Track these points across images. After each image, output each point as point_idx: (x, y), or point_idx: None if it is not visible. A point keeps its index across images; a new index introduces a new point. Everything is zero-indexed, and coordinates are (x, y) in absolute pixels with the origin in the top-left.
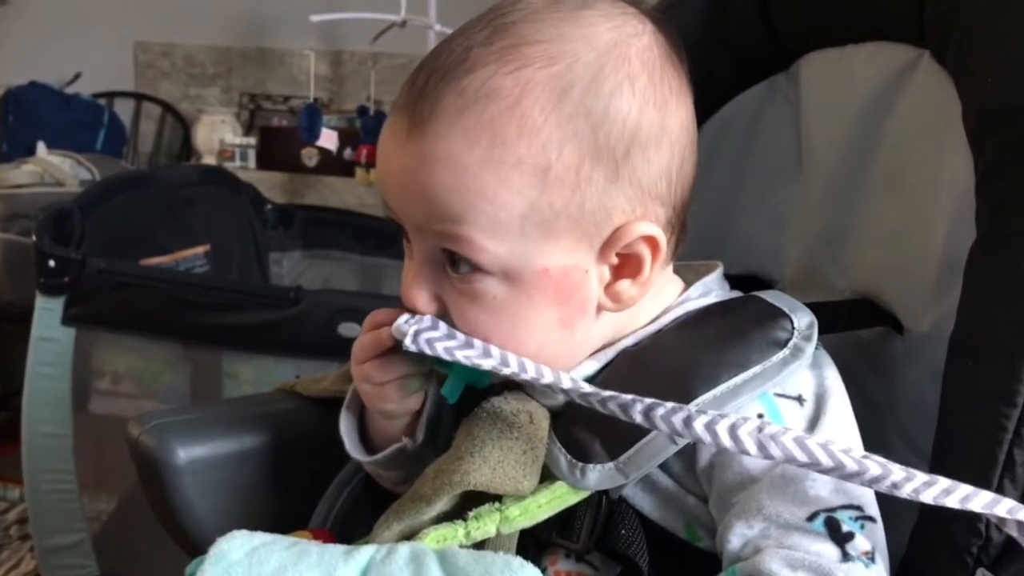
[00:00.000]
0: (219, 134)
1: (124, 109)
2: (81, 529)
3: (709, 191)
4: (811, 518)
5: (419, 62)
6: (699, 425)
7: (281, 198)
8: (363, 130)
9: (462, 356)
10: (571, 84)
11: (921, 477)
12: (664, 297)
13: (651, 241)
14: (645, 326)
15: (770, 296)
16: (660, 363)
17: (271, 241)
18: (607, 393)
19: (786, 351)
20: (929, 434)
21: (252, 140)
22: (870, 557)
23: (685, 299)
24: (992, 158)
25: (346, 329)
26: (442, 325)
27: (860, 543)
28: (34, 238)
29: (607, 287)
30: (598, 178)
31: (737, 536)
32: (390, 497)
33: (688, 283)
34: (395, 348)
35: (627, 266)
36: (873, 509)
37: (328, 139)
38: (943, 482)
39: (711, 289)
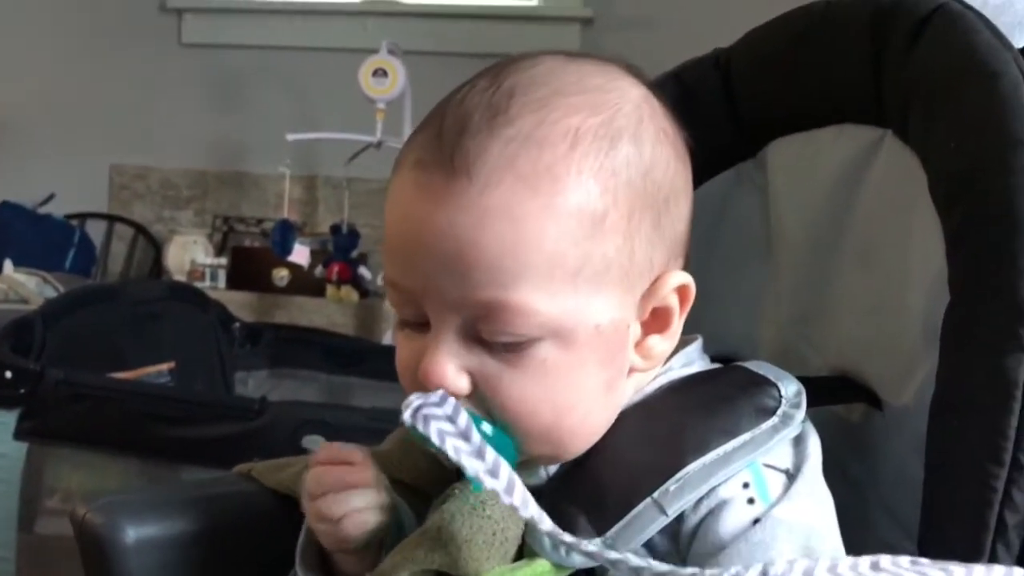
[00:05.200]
0: (191, 254)
1: (97, 230)
2: None
3: None
4: None
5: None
6: None
7: (250, 317)
8: (335, 248)
9: (451, 445)
10: (619, 132)
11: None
12: None
13: (682, 291)
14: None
15: (753, 365)
16: (648, 430)
17: (238, 360)
18: (636, 562)
19: (775, 419)
20: (915, 509)
21: (223, 260)
22: None
23: (668, 368)
24: (961, 220)
25: (310, 442)
26: (450, 403)
27: None
28: None
29: (637, 345)
30: (645, 227)
31: None
32: None
33: None
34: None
35: (656, 320)
36: None
37: (300, 255)
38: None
39: (693, 360)
